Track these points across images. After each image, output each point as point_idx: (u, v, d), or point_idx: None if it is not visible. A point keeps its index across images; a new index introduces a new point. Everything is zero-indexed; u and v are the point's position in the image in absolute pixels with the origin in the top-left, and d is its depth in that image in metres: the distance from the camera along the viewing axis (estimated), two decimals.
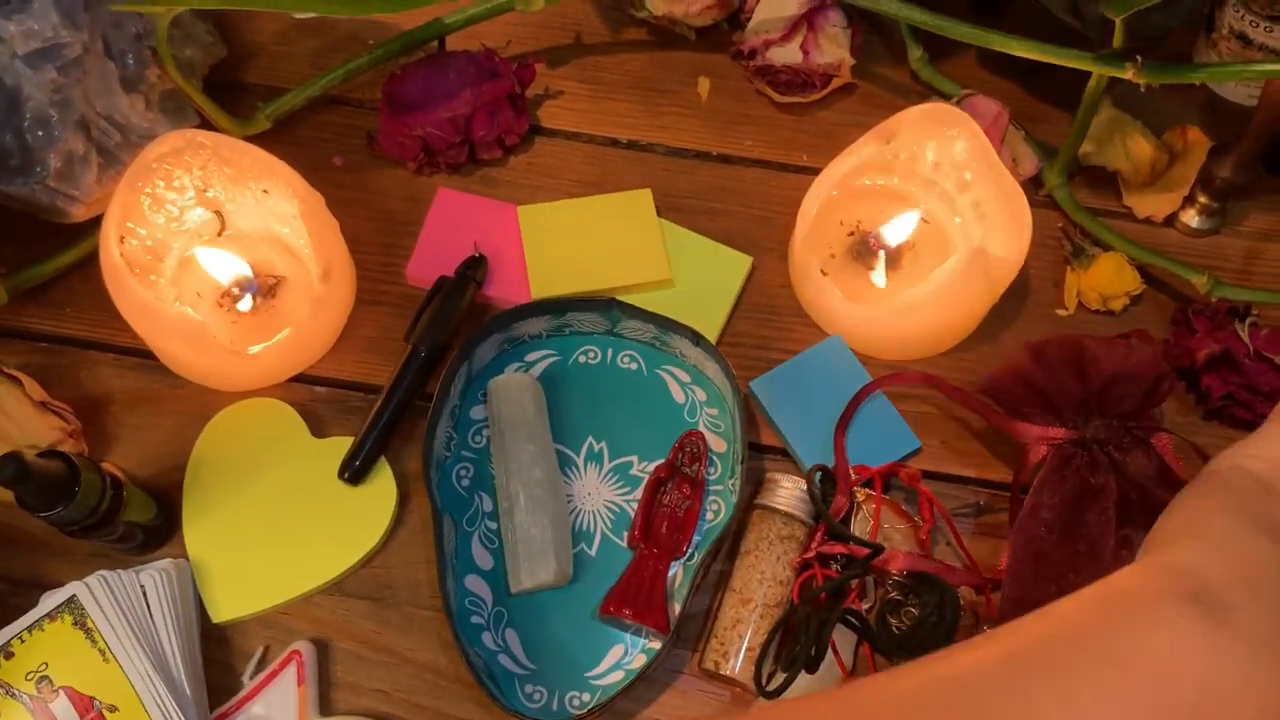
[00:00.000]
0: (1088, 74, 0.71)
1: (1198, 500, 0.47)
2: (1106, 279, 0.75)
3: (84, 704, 0.61)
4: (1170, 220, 0.80)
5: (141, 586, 0.64)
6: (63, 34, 0.68)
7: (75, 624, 0.63)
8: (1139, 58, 0.68)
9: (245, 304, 0.74)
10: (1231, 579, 0.41)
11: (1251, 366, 0.71)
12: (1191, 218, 0.79)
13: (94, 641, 0.62)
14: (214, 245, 0.75)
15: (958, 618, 0.63)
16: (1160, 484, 0.67)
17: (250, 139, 0.77)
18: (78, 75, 0.69)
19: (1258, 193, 0.81)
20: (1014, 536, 0.66)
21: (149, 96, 0.75)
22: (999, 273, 0.70)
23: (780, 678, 0.64)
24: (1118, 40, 0.68)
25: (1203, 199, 0.78)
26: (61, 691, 0.61)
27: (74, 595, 0.63)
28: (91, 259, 0.72)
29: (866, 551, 0.65)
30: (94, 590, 0.63)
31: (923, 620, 0.64)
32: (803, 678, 0.63)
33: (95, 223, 0.71)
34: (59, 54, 0.68)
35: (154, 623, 0.64)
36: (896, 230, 0.75)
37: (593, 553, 0.69)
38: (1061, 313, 0.77)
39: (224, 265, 0.74)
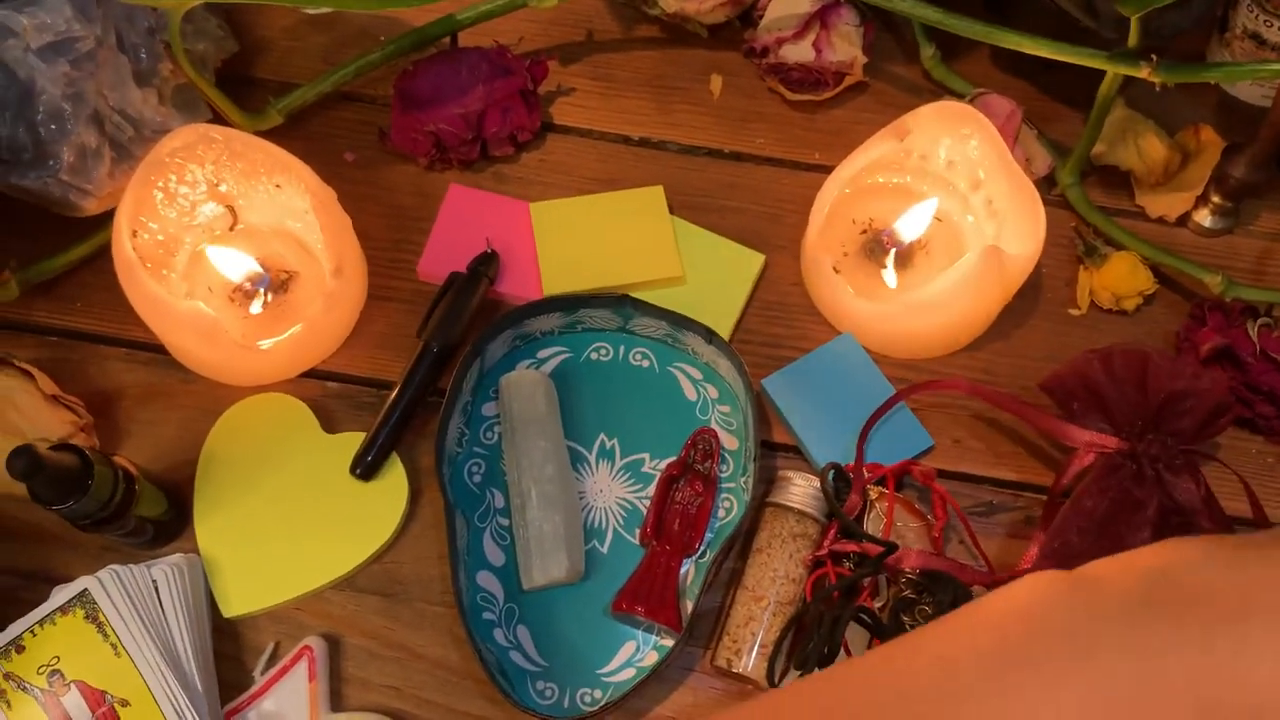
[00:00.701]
0: (1099, 73, 0.71)
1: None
2: (1119, 278, 0.75)
3: (96, 698, 0.61)
4: (1183, 220, 0.80)
5: (153, 581, 0.64)
6: (75, 28, 0.68)
7: (87, 618, 0.63)
8: (1155, 57, 0.68)
9: (256, 306, 0.74)
10: (1114, 570, 0.41)
11: (1255, 365, 0.71)
12: (1204, 217, 0.79)
13: (106, 635, 0.62)
14: (225, 241, 0.75)
15: None
16: (1204, 512, 0.66)
17: (262, 134, 0.76)
18: (90, 69, 0.69)
19: (1270, 192, 0.80)
20: (1046, 538, 0.65)
21: (161, 91, 0.75)
22: (1013, 271, 0.70)
23: (793, 676, 0.64)
24: (1133, 39, 0.68)
25: (1216, 199, 0.78)
26: (73, 685, 0.61)
27: (86, 589, 0.63)
28: (103, 253, 0.72)
29: (880, 550, 0.65)
30: (106, 584, 0.63)
31: (936, 618, 0.64)
32: None
33: (107, 217, 0.71)
34: (72, 48, 0.68)
35: (165, 617, 0.64)
36: (913, 221, 0.74)
37: (604, 550, 0.69)
38: (1074, 312, 0.77)
39: (234, 263, 0.74)
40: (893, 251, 0.75)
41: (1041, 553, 0.65)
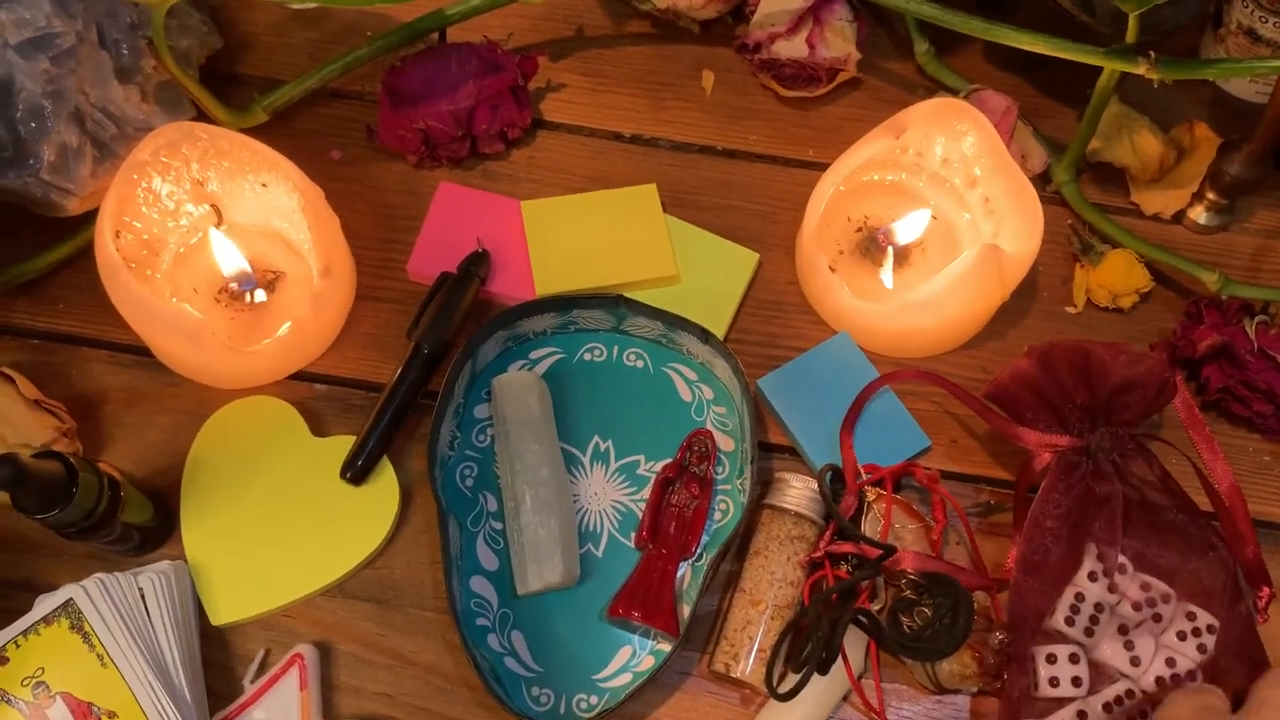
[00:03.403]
0: (1094, 68, 0.71)
1: None
2: (1116, 276, 0.75)
3: (82, 710, 0.60)
4: (1178, 217, 0.79)
5: (139, 589, 0.63)
6: (56, 23, 0.66)
7: (72, 628, 0.61)
8: (1152, 53, 0.67)
9: (252, 297, 0.73)
10: None
11: (1253, 362, 0.71)
12: (1200, 214, 0.79)
13: (92, 646, 0.61)
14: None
15: (971, 621, 0.62)
16: (1162, 491, 0.66)
17: (247, 131, 0.75)
18: (71, 66, 0.67)
19: (1266, 189, 0.80)
20: (1018, 545, 0.65)
21: (144, 88, 0.73)
22: (1010, 269, 0.69)
23: (792, 679, 0.63)
24: (1131, 34, 0.67)
25: (1211, 195, 0.78)
26: (59, 697, 0.60)
27: (71, 598, 0.62)
28: (85, 254, 0.71)
29: (878, 552, 0.64)
30: (91, 593, 0.62)
31: (935, 621, 0.63)
32: (813, 679, 0.62)
33: (89, 217, 0.70)
34: (52, 44, 0.66)
35: (152, 626, 0.63)
36: (907, 229, 0.74)
37: (599, 553, 0.68)
38: (1070, 310, 0.76)
39: (231, 254, 0.72)
40: (890, 251, 0.74)
41: (1020, 564, 0.65)
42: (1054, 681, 0.63)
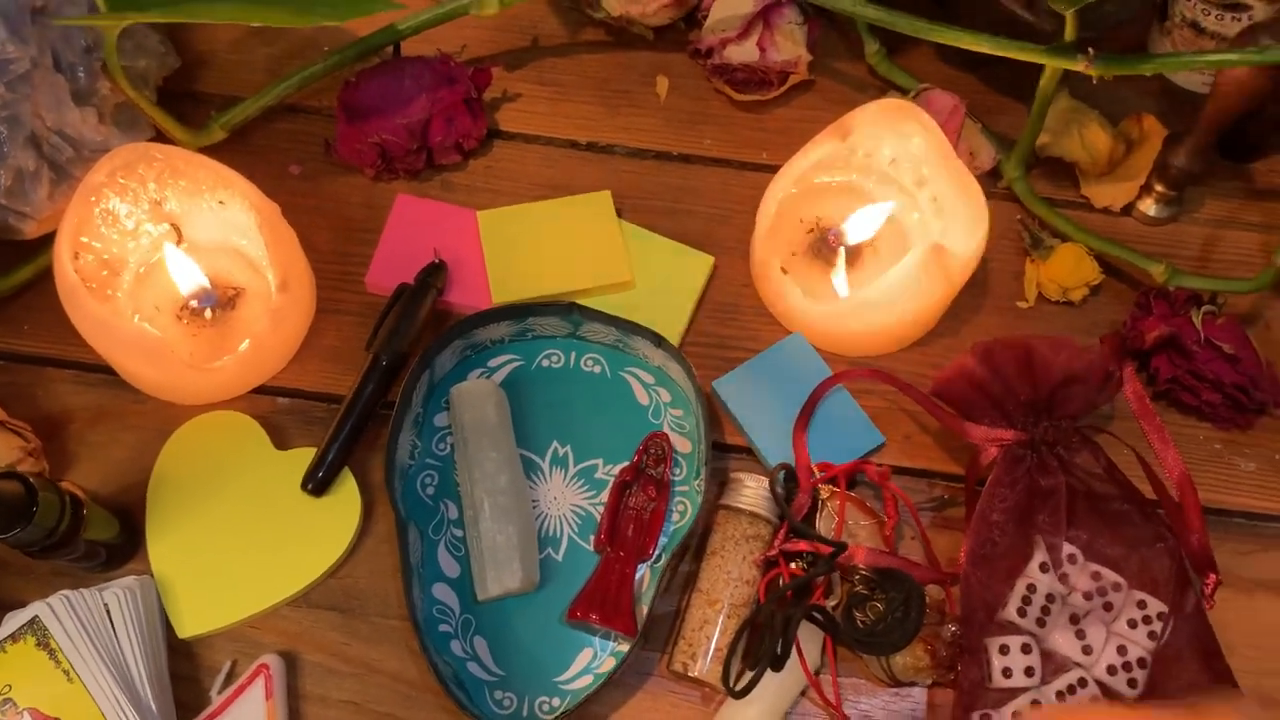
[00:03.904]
0: (1041, 65, 0.72)
1: None
2: (1066, 270, 0.76)
3: None
4: (1128, 209, 0.80)
5: (105, 605, 0.64)
6: (9, 49, 0.67)
7: (38, 645, 0.62)
8: (1091, 50, 0.68)
9: (212, 313, 0.74)
10: None
11: (1200, 352, 0.72)
12: (1149, 206, 0.79)
13: (58, 662, 0.62)
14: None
15: (923, 614, 0.63)
16: (1108, 482, 0.67)
17: (206, 149, 0.76)
18: (26, 91, 0.68)
19: (1214, 179, 0.81)
20: (967, 539, 0.66)
21: (101, 109, 0.74)
22: (956, 268, 0.70)
23: (747, 677, 0.64)
24: (1069, 33, 0.68)
25: (1159, 187, 0.79)
26: (26, 714, 0.61)
27: (36, 616, 0.63)
28: (47, 275, 0.72)
29: (830, 549, 0.65)
30: (57, 610, 0.63)
31: (888, 615, 0.64)
32: (771, 676, 0.63)
33: (49, 239, 0.71)
34: (6, 69, 0.67)
35: (119, 641, 0.63)
36: (861, 224, 0.74)
37: (559, 557, 0.69)
38: (1022, 305, 0.77)
39: (189, 271, 0.73)
40: (842, 252, 0.75)
41: (969, 558, 0.66)
42: (1007, 672, 0.64)
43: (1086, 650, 0.65)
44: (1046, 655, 0.65)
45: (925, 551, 0.69)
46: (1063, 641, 0.65)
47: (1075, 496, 0.67)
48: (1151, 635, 0.65)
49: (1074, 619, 0.65)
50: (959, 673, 0.64)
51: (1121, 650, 0.65)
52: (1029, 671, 0.64)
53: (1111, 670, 0.64)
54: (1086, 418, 0.69)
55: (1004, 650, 0.64)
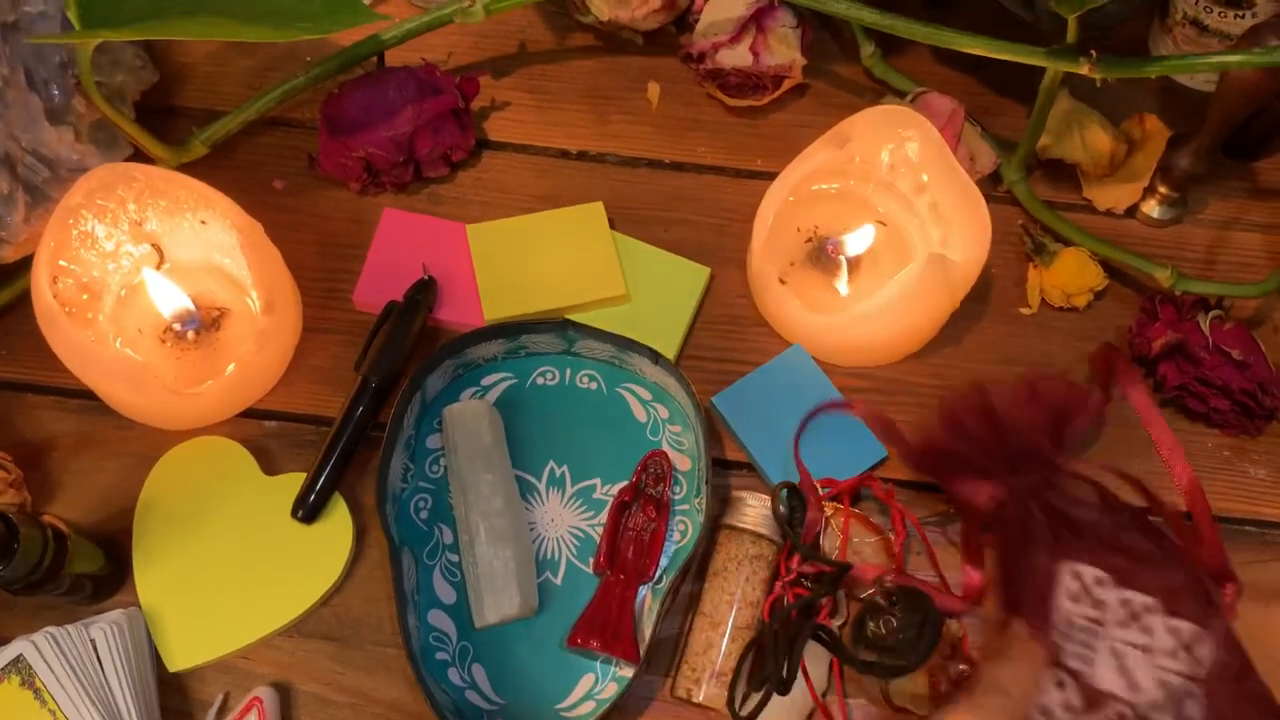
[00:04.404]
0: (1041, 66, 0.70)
1: None
2: (1069, 276, 0.74)
3: None
4: (1131, 211, 0.79)
5: (92, 640, 0.62)
6: None
7: (23, 684, 0.60)
8: (1094, 52, 0.67)
9: (196, 336, 0.72)
10: None
11: (1208, 359, 0.70)
12: (1153, 208, 0.78)
13: (44, 702, 0.60)
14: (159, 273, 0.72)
15: (935, 641, 0.61)
16: (1102, 509, 0.65)
17: (187, 165, 0.74)
18: None
19: (1218, 179, 0.80)
20: (1000, 593, 0.64)
21: (78, 127, 0.72)
22: (958, 277, 0.68)
23: (753, 700, 0.63)
24: (1071, 35, 0.67)
25: (1163, 189, 0.77)
26: None
27: (21, 655, 0.61)
28: (25, 300, 0.70)
29: (834, 569, 0.64)
30: (42, 649, 0.61)
31: (900, 631, 0.63)
32: (777, 699, 0.62)
33: (26, 263, 0.69)
34: None
35: (106, 678, 0.62)
36: (855, 243, 0.73)
37: (558, 581, 0.68)
38: (1025, 311, 0.76)
39: (170, 294, 0.71)
40: (843, 262, 0.74)
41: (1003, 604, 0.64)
42: (1045, 712, 0.61)
43: (1129, 684, 0.61)
44: (1087, 691, 0.61)
45: (931, 565, 0.68)
46: (1103, 675, 0.61)
47: (1061, 535, 0.64)
48: (1191, 662, 0.62)
49: (1113, 652, 0.62)
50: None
51: (1162, 682, 0.62)
52: (1068, 708, 0.61)
53: (1154, 704, 0.62)
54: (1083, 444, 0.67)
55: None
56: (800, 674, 0.63)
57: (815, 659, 0.64)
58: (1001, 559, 0.65)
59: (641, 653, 0.64)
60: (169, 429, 0.71)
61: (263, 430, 0.71)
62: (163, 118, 0.79)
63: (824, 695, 0.64)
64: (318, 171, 0.78)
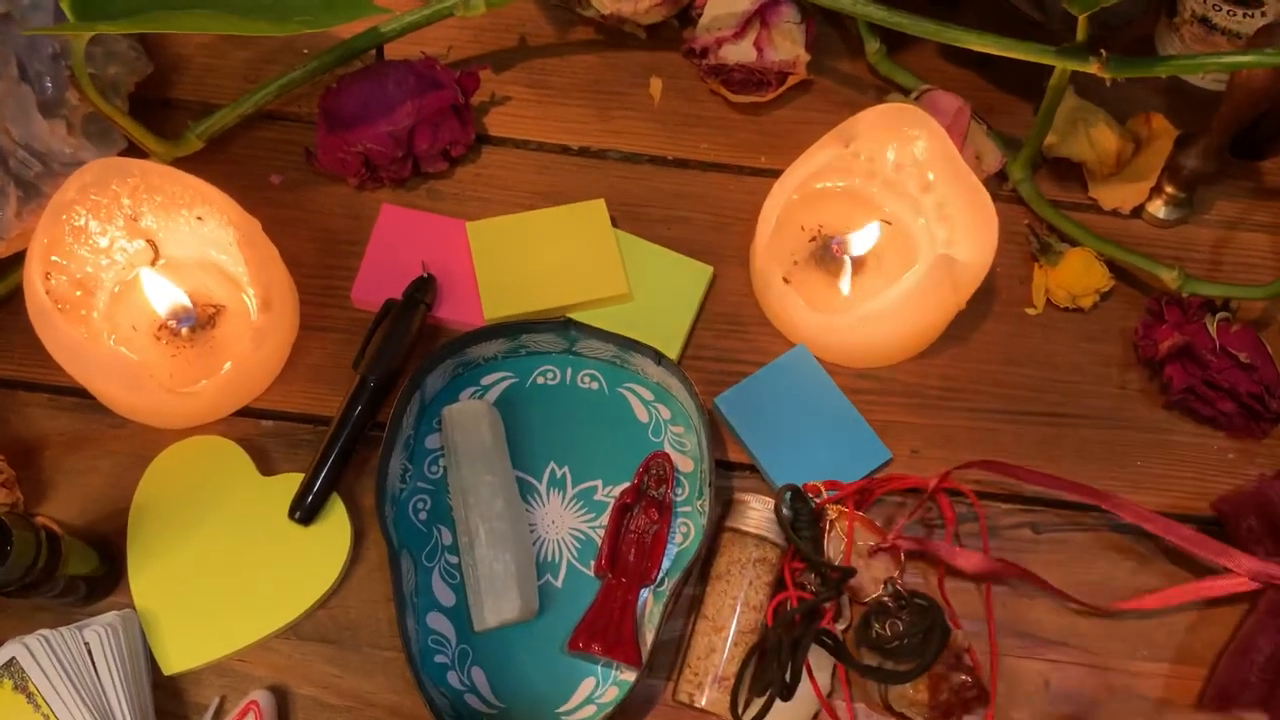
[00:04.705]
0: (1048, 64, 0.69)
1: None
2: (1075, 276, 0.73)
3: None
4: (1137, 211, 0.78)
5: (86, 643, 0.61)
6: None
7: (16, 688, 0.60)
8: (1103, 51, 0.66)
9: (185, 332, 0.71)
10: None
11: (1215, 361, 0.70)
12: (1159, 208, 0.77)
13: (37, 706, 0.59)
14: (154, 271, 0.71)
15: (940, 650, 0.61)
16: None
17: (182, 159, 0.73)
18: None
19: (1225, 179, 0.79)
20: (1217, 680, 0.63)
21: (71, 120, 0.71)
22: (965, 278, 0.68)
23: (756, 704, 0.62)
24: (1081, 33, 0.66)
25: (1169, 189, 0.77)
26: None
27: (14, 658, 0.60)
28: (17, 295, 0.68)
29: (839, 573, 0.63)
30: (34, 652, 0.60)
31: (905, 635, 0.63)
32: (784, 705, 0.61)
33: (18, 259, 0.68)
34: None
35: (100, 682, 0.61)
36: (859, 243, 0.72)
37: (559, 583, 0.67)
38: (1030, 311, 0.75)
39: (166, 291, 0.70)
40: (847, 262, 0.73)
41: (1216, 696, 0.63)
42: None
43: None
44: None
45: (937, 579, 0.67)
46: None
47: None
48: None
49: None
50: None
51: None
52: None
53: None
54: None
55: None
56: (806, 677, 0.62)
57: (821, 666, 0.64)
58: None
59: (643, 657, 0.64)
60: (164, 428, 0.70)
61: (259, 429, 0.70)
62: (157, 111, 0.78)
63: (829, 695, 0.64)
64: (315, 166, 0.77)
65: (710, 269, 0.74)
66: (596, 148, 0.80)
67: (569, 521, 0.68)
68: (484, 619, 0.63)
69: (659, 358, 0.68)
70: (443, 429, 0.68)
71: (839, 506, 0.67)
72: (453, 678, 0.65)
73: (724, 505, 0.68)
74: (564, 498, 0.69)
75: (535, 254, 0.73)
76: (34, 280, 0.64)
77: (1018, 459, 0.69)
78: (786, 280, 0.72)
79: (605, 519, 0.68)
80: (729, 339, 0.74)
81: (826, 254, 0.74)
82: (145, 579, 0.66)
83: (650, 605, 0.66)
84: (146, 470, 0.68)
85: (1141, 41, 0.84)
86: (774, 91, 0.79)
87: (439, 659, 0.65)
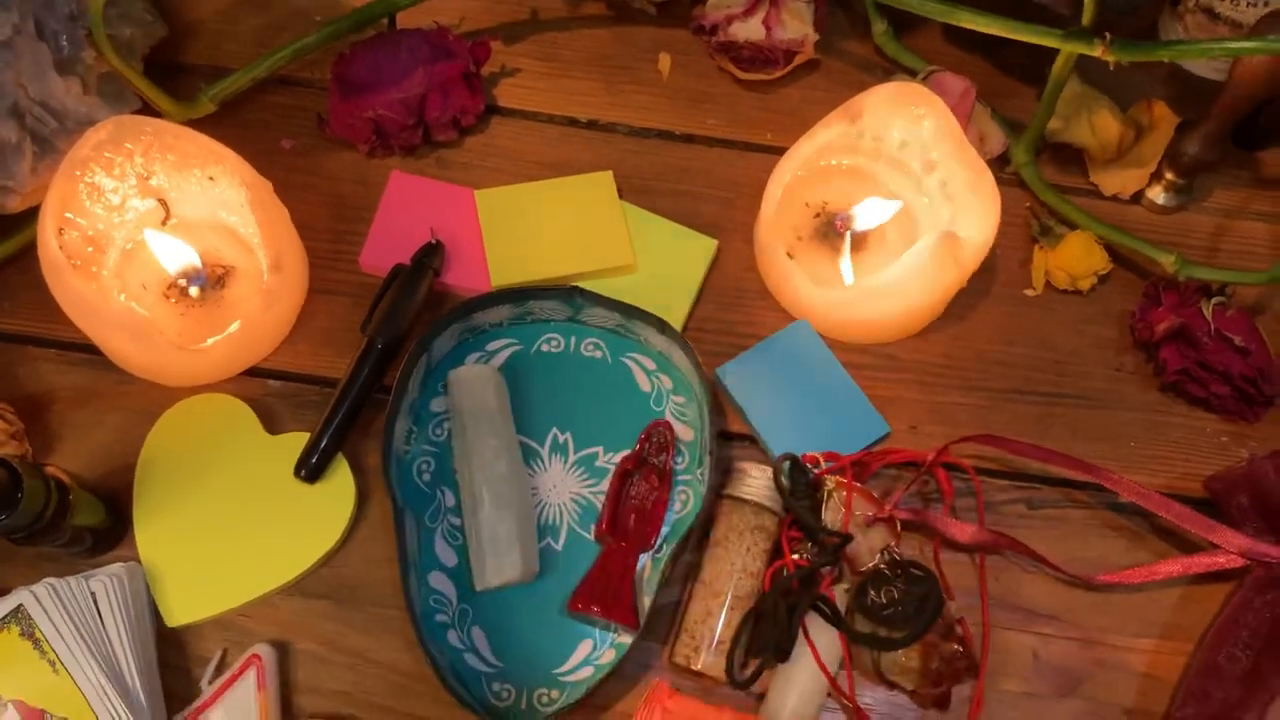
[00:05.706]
0: (1053, 48, 0.70)
1: None
2: (1074, 258, 0.74)
3: (35, 717, 0.59)
4: (1137, 197, 0.79)
5: (92, 593, 0.62)
6: None
7: (23, 634, 0.60)
8: (1108, 34, 0.67)
9: (195, 292, 0.71)
10: None
11: (1210, 344, 0.71)
12: (1158, 194, 0.78)
13: (43, 652, 0.60)
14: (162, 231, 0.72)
15: (933, 619, 0.62)
16: None
17: (194, 122, 0.74)
18: (8, 59, 0.66)
19: (1224, 168, 0.80)
20: (1202, 653, 0.63)
21: (86, 79, 0.71)
22: (967, 256, 0.69)
23: (752, 667, 0.63)
24: (1087, 17, 0.67)
25: (1170, 175, 0.77)
26: (11, 705, 0.59)
27: (20, 605, 0.61)
28: (29, 251, 0.69)
29: (835, 540, 0.64)
30: (41, 599, 0.61)
31: (900, 603, 0.64)
32: (799, 671, 0.62)
33: (32, 214, 0.68)
34: None
35: (106, 630, 0.62)
36: (867, 215, 0.73)
37: (559, 547, 0.68)
38: (1029, 293, 0.76)
39: (173, 252, 0.71)
40: (848, 238, 0.74)
41: (1189, 692, 0.63)
42: None
43: None
44: None
45: (933, 551, 0.68)
46: None
47: None
48: None
49: None
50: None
51: None
52: None
53: None
54: None
55: None
56: (808, 647, 0.63)
57: (823, 626, 0.64)
58: None
59: (641, 620, 0.65)
60: (172, 385, 0.71)
61: (266, 389, 0.71)
62: (170, 74, 0.79)
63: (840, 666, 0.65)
64: (326, 133, 0.77)
65: (715, 242, 0.75)
66: (605, 121, 0.80)
67: (570, 486, 0.69)
68: (485, 578, 0.64)
69: (663, 327, 0.69)
70: (448, 392, 0.69)
71: (837, 477, 0.68)
72: (452, 636, 0.65)
73: (723, 474, 0.69)
74: (566, 463, 0.70)
75: (542, 223, 0.74)
76: (47, 235, 0.65)
77: (1014, 437, 0.70)
78: (790, 255, 0.73)
79: (606, 485, 0.69)
80: (732, 312, 0.75)
81: (830, 230, 0.75)
82: (151, 533, 0.67)
83: (648, 570, 0.67)
84: (154, 426, 0.69)
85: (1145, 30, 0.85)
86: (781, 70, 0.80)
87: (439, 618, 0.66)
